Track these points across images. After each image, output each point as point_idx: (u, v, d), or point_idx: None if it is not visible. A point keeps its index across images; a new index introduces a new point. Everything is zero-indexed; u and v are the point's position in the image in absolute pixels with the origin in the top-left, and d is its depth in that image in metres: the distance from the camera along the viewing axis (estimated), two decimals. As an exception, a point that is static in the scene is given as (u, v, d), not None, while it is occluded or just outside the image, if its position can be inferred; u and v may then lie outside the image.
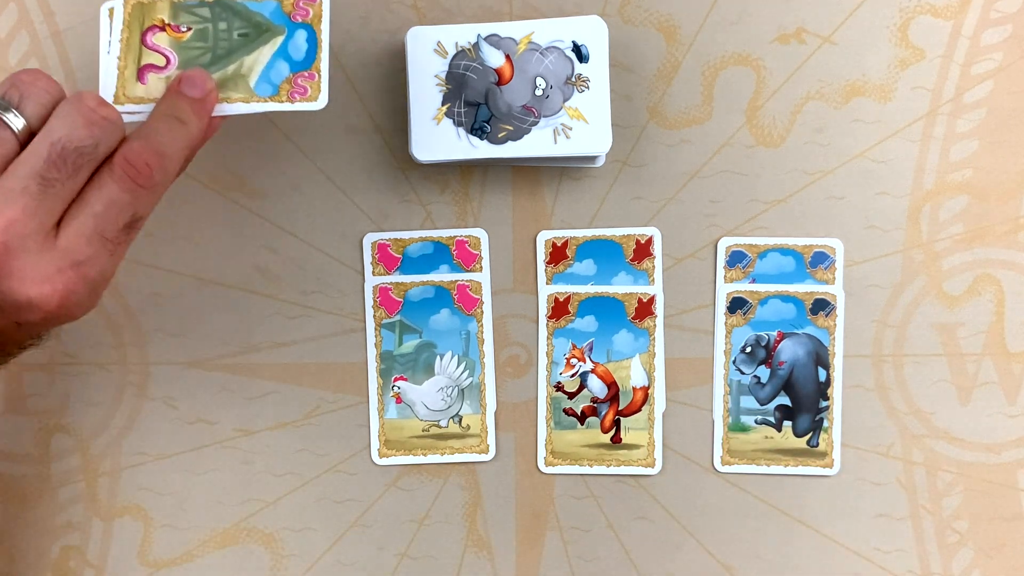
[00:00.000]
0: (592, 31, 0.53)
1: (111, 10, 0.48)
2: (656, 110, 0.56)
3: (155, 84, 0.48)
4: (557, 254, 0.57)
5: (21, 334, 0.44)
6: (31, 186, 0.39)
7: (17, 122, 0.41)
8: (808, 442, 0.56)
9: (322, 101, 0.48)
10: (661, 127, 0.56)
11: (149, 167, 0.42)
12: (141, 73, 0.48)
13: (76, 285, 0.41)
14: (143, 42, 0.48)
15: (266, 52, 0.48)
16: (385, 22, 0.56)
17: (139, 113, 0.46)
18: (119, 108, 0.46)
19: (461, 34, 0.53)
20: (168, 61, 0.48)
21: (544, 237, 0.56)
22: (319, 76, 0.48)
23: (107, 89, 0.48)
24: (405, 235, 0.57)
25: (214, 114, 0.46)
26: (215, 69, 0.48)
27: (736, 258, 0.56)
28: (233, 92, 0.48)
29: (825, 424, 0.56)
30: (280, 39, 0.49)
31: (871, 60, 0.56)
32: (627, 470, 0.56)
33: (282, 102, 0.48)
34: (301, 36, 0.49)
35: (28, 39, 0.56)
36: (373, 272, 0.57)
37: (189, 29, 0.48)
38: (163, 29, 0.48)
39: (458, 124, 0.53)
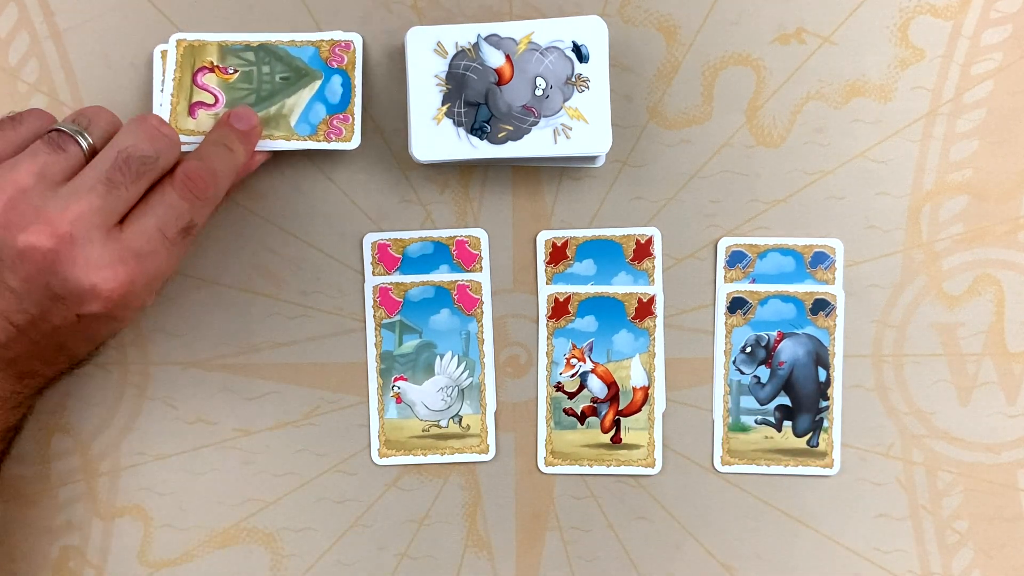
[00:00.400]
0: (592, 31, 0.53)
1: (164, 52, 0.54)
2: (656, 110, 0.56)
3: (204, 119, 0.53)
4: (557, 254, 0.57)
5: (79, 338, 0.47)
6: (98, 186, 0.44)
7: (84, 142, 0.46)
8: (808, 442, 0.56)
9: (355, 142, 0.54)
10: (661, 127, 0.56)
11: (204, 182, 0.47)
12: (192, 109, 0.53)
13: (136, 275, 0.45)
14: (194, 81, 0.53)
15: (305, 95, 0.54)
16: (385, 22, 0.56)
17: (189, 144, 0.52)
18: None
19: (461, 34, 0.53)
20: (217, 100, 0.53)
21: (544, 237, 0.56)
22: (353, 119, 0.54)
23: None
24: (405, 235, 0.57)
25: (257, 148, 0.53)
26: (259, 108, 0.53)
27: (736, 258, 0.56)
28: (275, 130, 0.53)
29: (825, 424, 0.56)
30: (318, 83, 0.54)
31: (871, 60, 0.56)
32: (627, 470, 0.57)
33: (319, 141, 0.53)
34: (336, 81, 0.54)
35: (28, 39, 0.56)
36: (373, 272, 0.57)
37: (236, 71, 0.54)
38: (212, 70, 0.54)
39: (458, 124, 0.53)
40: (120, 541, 0.57)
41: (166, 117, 0.53)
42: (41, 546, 0.57)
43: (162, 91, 0.54)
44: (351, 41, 0.54)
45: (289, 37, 0.54)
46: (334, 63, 0.54)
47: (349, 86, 0.54)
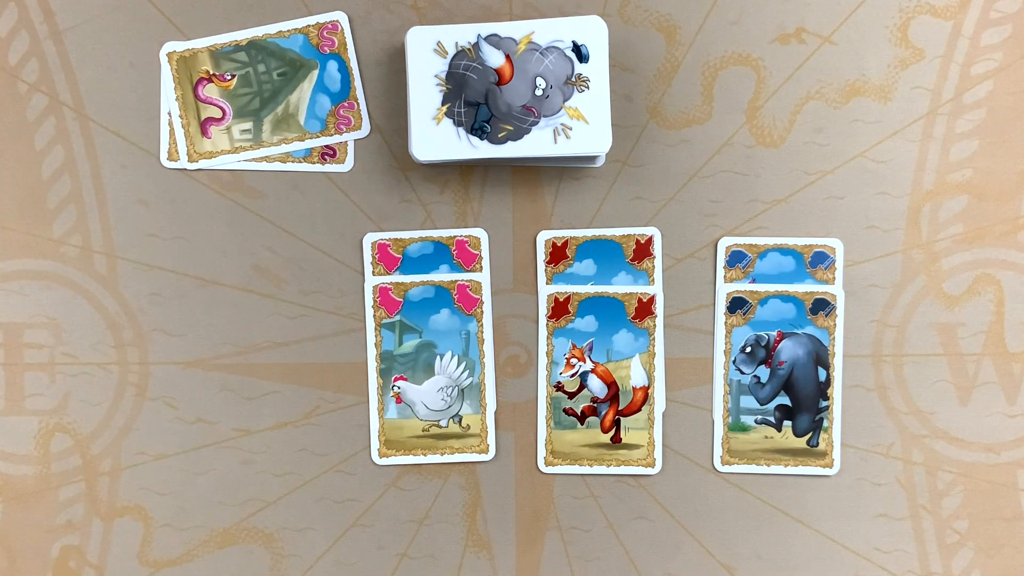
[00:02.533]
0: (592, 31, 0.53)
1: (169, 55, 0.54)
2: (656, 110, 0.56)
3: (218, 137, 0.53)
4: (557, 254, 0.57)
5: None
6: None
7: None
8: (808, 442, 0.56)
9: (364, 130, 0.54)
10: (661, 127, 0.56)
11: None
12: (204, 128, 0.53)
13: None
14: (196, 96, 0.53)
15: (306, 88, 0.54)
16: (385, 22, 0.56)
17: (212, 169, 0.52)
18: (193, 166, 0.53)
19: (461, 34, 0.53)
20: (224, 113, 0.53)
21: (544, 237, 0.56)
22: (358, 105, 0.54)
23: (181, 150, 0.53)
24: (405, 235, 0.57)
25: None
26: (266, 112, 0.53)
27: (736, 258, 0.56)
28: (287, 132, 0.53)
29: (825, 424, 0.56)
30: (315, 72, 0.54)
31: (871, 60, 0.56)
32: (627, 470, 0.57)
33: (331, 135, 0.54)
34: (333, 67, 0.54)
35: (28, 39, 0.56)
36: (373, 272, 0.57)
37: (233, 77, 0.53)
38: (210, 80, 0.53)
39: (458, 124, 0.53)
40: (120, 541, 0.57)
41: (183, 143, 0.53)
42: (41, 546, 0.57)
43: (174, 115, 0.53)
44: (337, 22, 0.54)
45: (276, 28, 0.54)
46: (326, 48, 0.54)
47: (346, 70, 0.54)
